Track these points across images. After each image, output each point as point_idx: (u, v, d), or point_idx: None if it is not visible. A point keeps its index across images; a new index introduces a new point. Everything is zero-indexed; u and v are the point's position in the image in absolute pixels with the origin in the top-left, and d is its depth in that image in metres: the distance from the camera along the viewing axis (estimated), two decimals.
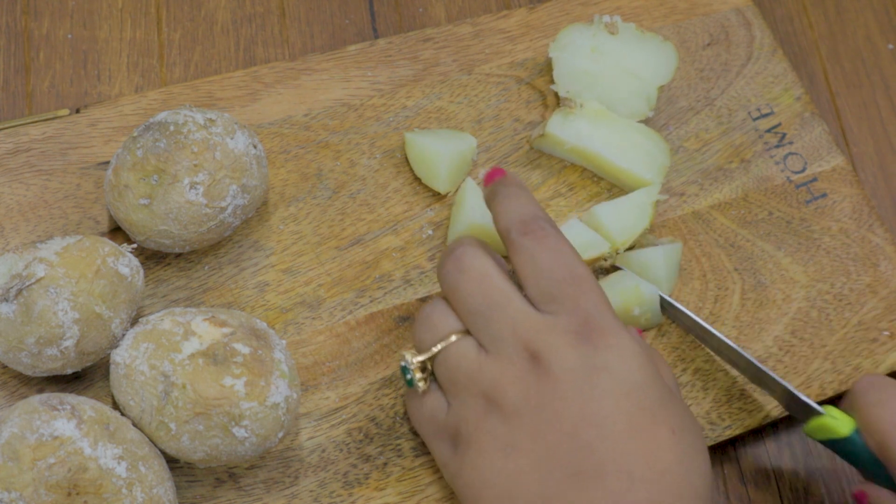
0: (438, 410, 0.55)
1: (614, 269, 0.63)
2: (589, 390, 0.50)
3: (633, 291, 0.61)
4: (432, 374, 0.55)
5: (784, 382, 0.59)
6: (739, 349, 0.60)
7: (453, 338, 0.54)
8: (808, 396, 0.63)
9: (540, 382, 0.51)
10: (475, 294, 0.53)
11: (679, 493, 0.49)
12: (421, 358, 0.54)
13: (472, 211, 0.61)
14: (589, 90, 0.66)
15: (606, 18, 0.67)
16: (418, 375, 0.55)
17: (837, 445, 0.57)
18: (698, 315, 0.64)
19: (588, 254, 0.62)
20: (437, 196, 0.65)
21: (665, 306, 0.62)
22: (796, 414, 0.59)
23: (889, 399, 0.56)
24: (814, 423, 0.58)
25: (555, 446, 0.50)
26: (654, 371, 0.52)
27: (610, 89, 0.66)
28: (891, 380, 0.57)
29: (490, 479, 0.51)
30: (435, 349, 0.54)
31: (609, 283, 0.62)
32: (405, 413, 0.59)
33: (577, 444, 0.50)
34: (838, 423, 0.57)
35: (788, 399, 0.59)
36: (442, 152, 0.63)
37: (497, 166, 0.60)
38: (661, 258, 0.63)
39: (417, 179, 0.65)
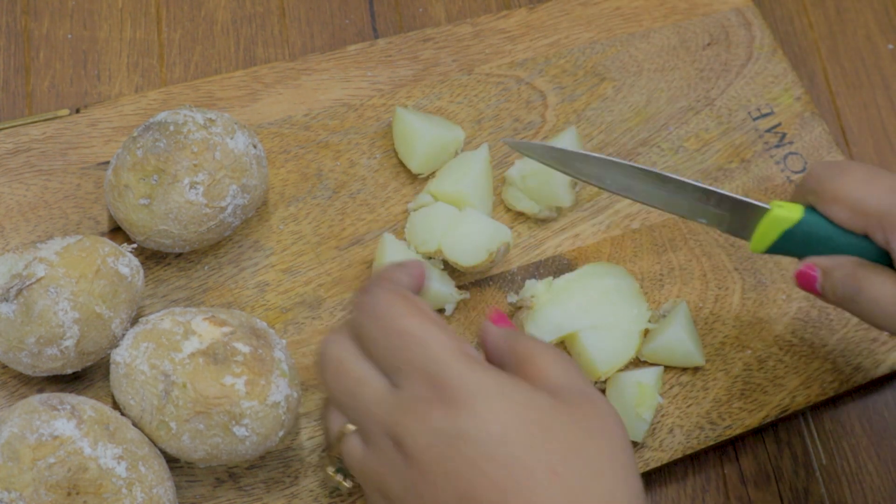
0: None
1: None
2: (453, 467, 0.46)
3: (639, 394, 0.59)
4: None
5: (721, 191, 0.56)
6: (666, 173, 0.56)
7: (343, 438, 0.50)
8: (808, 396, 0.63)
9: (409, 469, 0.47)
10: (335, 385, 0.50)
11: None
12: (331, 469, 0.52)
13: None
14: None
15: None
16: (345, 483, 0.53)
17: (789, 239, 0.55)
18: (699, 314, 0.64)
19: (492, 244, 0.61)
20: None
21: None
22: (739, 230, 0.57)
23: (853, 171, 0.54)
24: (763, 224, 0.55)
25: None
26: (511, 405, 0.46)
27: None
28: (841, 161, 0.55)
29: None
30: (334, 454, 0.51)
31: (612, 397, 0.60)
32: None
33: None
34: (788, 209, 0.55)
35: (728, 211, 0.56)
36: (423, 132, 0.63)
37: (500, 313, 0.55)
38: (683, 333, 0.61)
39: (417, 179, 0.65)
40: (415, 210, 0.63)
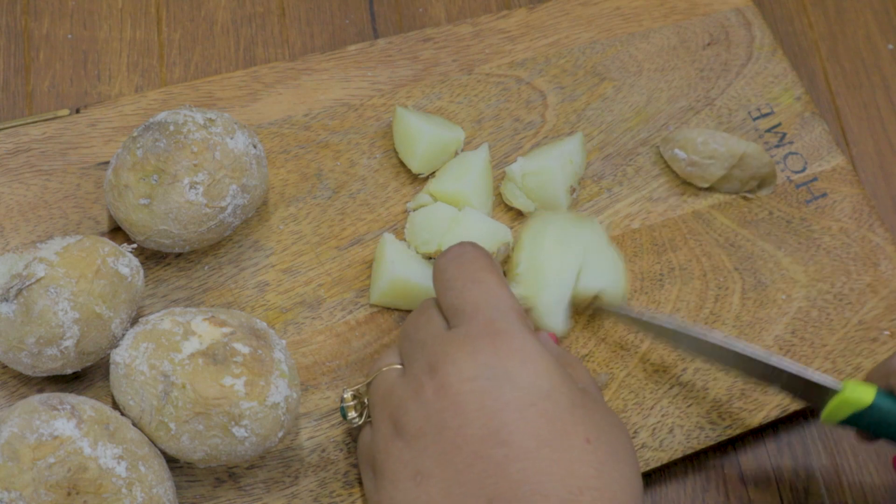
0: (369, 442, 0.53)
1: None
2: (491, 403, 0.47)
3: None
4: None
5: (797, 368, 0.56)
6: (740, 346, 0.57)
7: (385, 368, 0.52)
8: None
9: (438, 398, 0.48)
10: (412, 321, 0.53)
11: None
12: (353, 390, 0.54)
13: (393, 265, 0.60)
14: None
15: None
16: (352, 412, 0.54)
17: (860, 418, 0.55)
18: (699, 314, 0.64)
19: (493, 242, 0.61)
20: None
21: (650, 328, 0.60)
22: (812, 403, 0.57)
23: None
24: (833, 402, 0.55)
25: (464, 470, 0.46)
26: (562, 375, 0.49)
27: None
28: None
29: None
30: (367, 381, 0.53)
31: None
32: None
33: (486, 465, 0.46)
34: (861, 392, 0.55)
35: (800, 386, 0.56)
36: (424, 132, 0.63)
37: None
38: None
39: (417, 179, 0.65)
40: (415, 210, 0.63)
